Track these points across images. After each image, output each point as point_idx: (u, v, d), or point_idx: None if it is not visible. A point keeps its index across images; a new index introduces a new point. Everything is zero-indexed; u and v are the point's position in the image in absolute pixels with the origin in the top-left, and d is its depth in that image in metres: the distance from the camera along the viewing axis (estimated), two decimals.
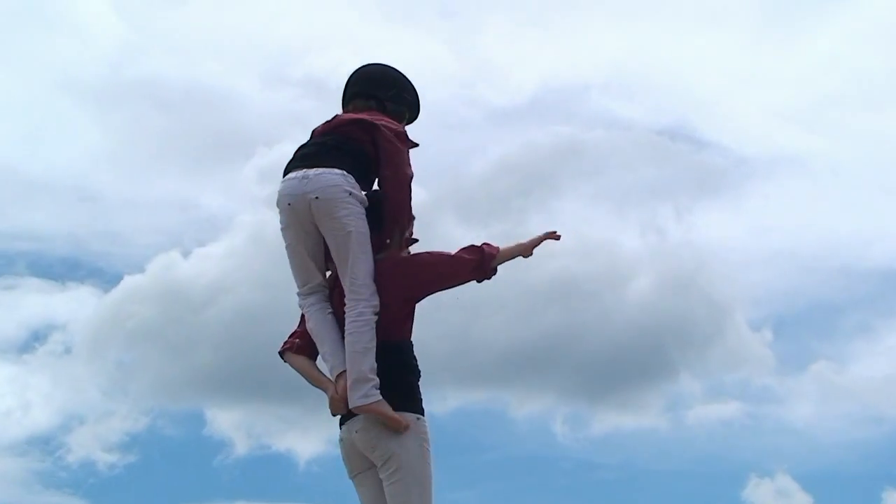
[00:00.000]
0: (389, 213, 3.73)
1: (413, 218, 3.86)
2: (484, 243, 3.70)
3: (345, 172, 3.64)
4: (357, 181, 3.69)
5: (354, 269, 3.59)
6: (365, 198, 3.70)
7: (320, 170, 3.64)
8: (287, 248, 3.77)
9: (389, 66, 4.05)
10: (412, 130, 4.02)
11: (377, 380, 3.51)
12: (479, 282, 3.72)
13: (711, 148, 21.76)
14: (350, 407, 3.52)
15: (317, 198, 3.59)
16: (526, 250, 3.78)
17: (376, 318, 3.57)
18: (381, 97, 3.96)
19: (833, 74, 22.33)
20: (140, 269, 18.32)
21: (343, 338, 3.61)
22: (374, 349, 3.54)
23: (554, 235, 3.82)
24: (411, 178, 3.78)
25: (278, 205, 3.73)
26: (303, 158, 3.74)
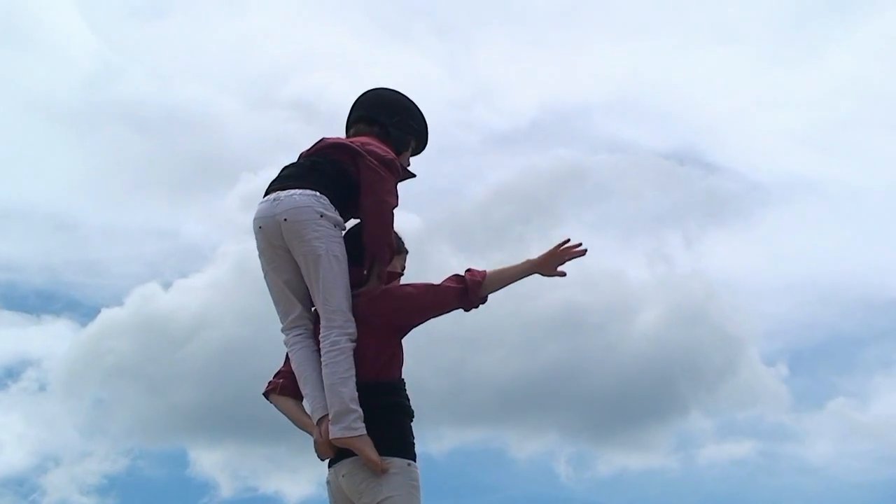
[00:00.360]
0: (368, 244, 3.59)
1: (401, 252, 3.72)
2: (468, 270, 3.56)
3: (317, 193, 3.53)
4: (337, 205, 3.58)
5: (326, 294, 3.47)
6: (341, 220, 3.58)
7: (292, 191, 3.55)
8: (264, 276, 3.66)
9: (399, 92, 3.96)
10: (417, 162, 3.92)
11: (360, 411, 3.39)
12: (466, 310, 3.58)
13: (722, 172, 21.17)
14: (331, 438, 3.40)
15: (286, 219, 3.49)
16: (540, 267, 3.60)
17: (353, 345, 3.44)
18: (385, 123, 3.85)
19: (850, 94, 21.63)
20: (118, 301, 17.63)
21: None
22: (353, 377, 3.41)
23: (574, 250, 3.63)
24: (393, 208, 3.62)
25: (254, 230, 3.64)
26: (279, 180, 3.66)
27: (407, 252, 3.78)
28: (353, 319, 3.46)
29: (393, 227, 3.62)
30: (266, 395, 3.70)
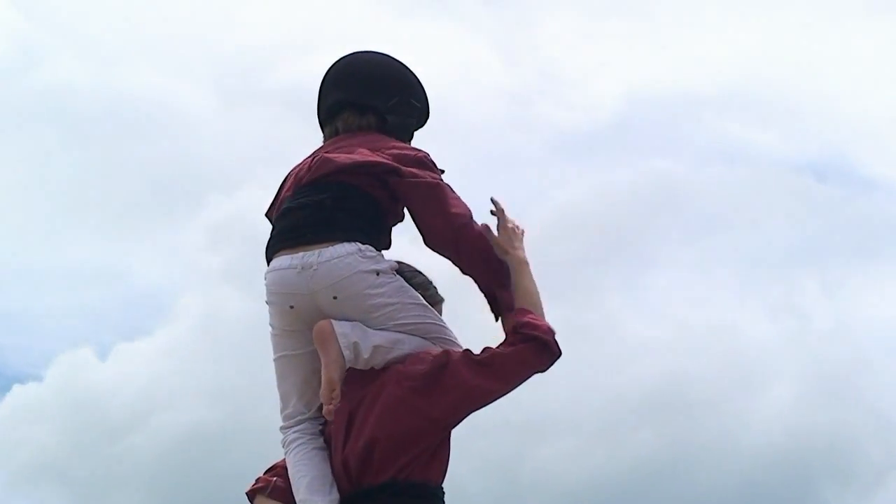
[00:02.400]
0: (478, 279, 3.22)
1: (435, 301, 3.31)
2: (519, 313, 3.11)
3: (359, 245, 3.10)
4: (380, 244, 3.18)
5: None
6: (395, 263, 3.18)
7: (325, 249, 3.07)
8: (278, 360, 3.24)
9: (386, 57, 3.37)
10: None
11: None
12: (544, 371, 3.11)
13: (876, 191, 16.54)
14: None
15: (335, 297, 3.06)
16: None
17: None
18: (381, 108, 3.31)
19: None
20: (37, 373, 14.86)
21: (327, 473, 3.08)
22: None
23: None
24: (470, 216, 3.19)
25: (270, 304, 3.18)
26: (295, 231, 3.15)
27: (443, 300, 3.36)
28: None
29: (486, 238, 3.19)
30: (251, 495, 3.24)
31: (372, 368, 3.09)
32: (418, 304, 3.15)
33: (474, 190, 3.20)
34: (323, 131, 3.38)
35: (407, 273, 3.23)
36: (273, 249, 3.17)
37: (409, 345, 3.12)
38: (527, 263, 3.21)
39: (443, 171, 3.28)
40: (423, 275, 3.33)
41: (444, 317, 3.31)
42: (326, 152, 3.22)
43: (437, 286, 3.38)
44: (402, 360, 3.10)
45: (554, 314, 3.02)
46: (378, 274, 3.10)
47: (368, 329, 3.09)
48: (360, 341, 3.03)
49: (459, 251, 3.21)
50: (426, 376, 3.06)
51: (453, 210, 3.16)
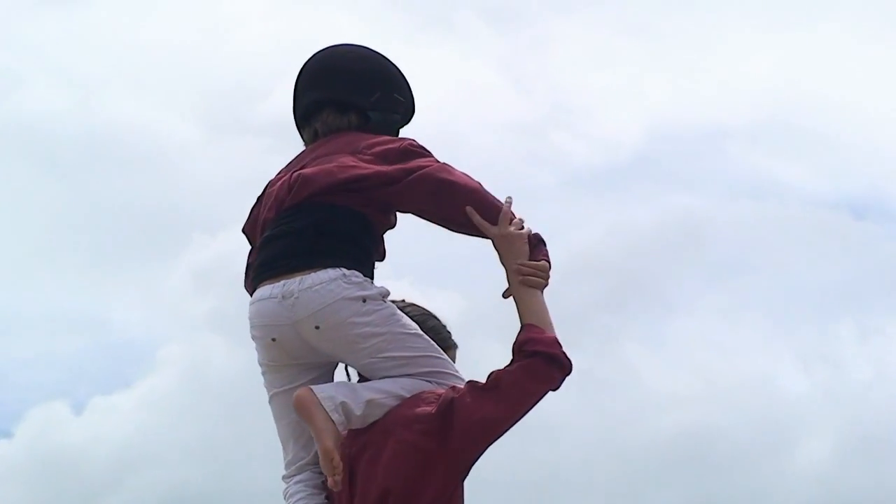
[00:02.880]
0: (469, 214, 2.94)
1: (448, 346, 3.14)
2: (524, 340, 2.88)
3: (344, 271, 2.90)
4: (367, 268, 2.97)
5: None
6: (385, 289, 2.97)
7: (306, 276, 2.89)
8: (271, 401, 3.07)
9: (365, 49, 3.19)
10: None
11: None
12: (556, 389, 2.94)
13: None
14: None
15: (317, 327, 2.88)
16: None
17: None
18: (363, 105, 3.12)
19: None
20: (6, 430, 12.98)
21: None
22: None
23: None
24: (477, 186, 3.00)
25: (254, 339, 3.02)
26: (276, 262, 2.96)
27: (456, 347, 3.23)
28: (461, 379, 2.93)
29: (491, 197, 2.97)
30: None
31: None
32: (411, 333, 2.94)
33: None
34: (301, 135, 3.19)
35: (418, 317, 3.06)
36: (255, 281, 2.99)
37: (406, 388, 2.90)
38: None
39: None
40: (436, 317, 3.18)
41: (457, 364, 3.10)
42: (304, 167, 3.03)
43: (450, 330, 3.22)
44: (402, 404, 2.89)
45: (573, 358, 2.78)
46: (365, 301, 2.89)
47: (357, 385, 2.92)
48: (348, 400, 2.83)
49: (452, 201, 2.94)
50: (435, 417, 2.87)
51: (456, 188, 2.93)
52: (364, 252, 2.99)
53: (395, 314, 2.94)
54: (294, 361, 2.99)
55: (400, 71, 3.20)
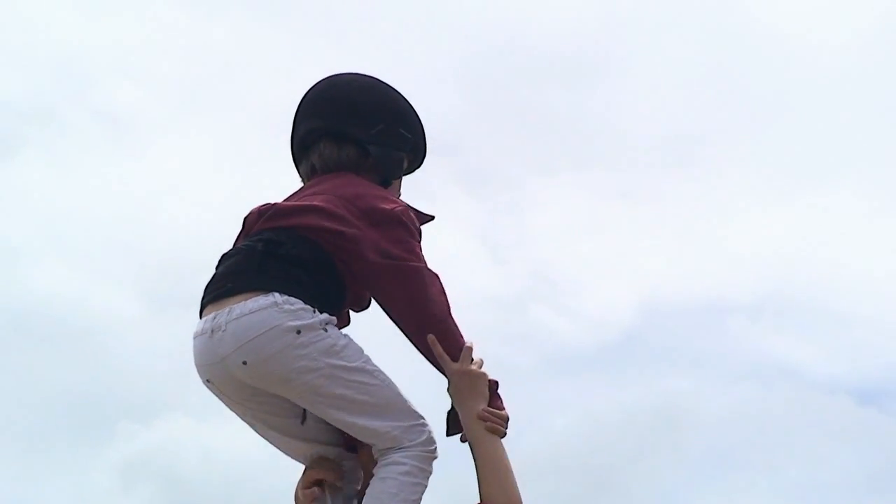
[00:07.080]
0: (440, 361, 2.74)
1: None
2: None
3: (276, 297, 2.60)
4: (316, 299, 2.64)
5: (367, 425, 2.63)
6: (328, 316, 2.65)
7: (236, 305, 2.61)
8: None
9: (372, 80, 2.95)
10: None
11: None
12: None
13: None
14: None
15: (245, 363, 2.59)
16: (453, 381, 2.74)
17: (429, 470, 2.64)
18: (362, 137, 2.87)
19: None
20: None
21: None
22: None
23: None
24: (441, 290, 2.74)
25: (199, 378, 2.76)
26: (216, 283, 2.72)
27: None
28: (424, 425, 2.68)
29: (449, 314, 2.75)
30: None
31: None
32: (355, 367, 2.62)
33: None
34: (298, 170, 2.98)
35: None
36: (200, 310, 2.72)
37: None
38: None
39: (432, 218, 2.89)
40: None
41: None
42: (283, 202, 2.83)
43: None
44: None
45: None
46: (299, 332, 2.56)
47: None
48: None
49: (418, 332, 2.73)
50: None
51: (419, 288, 2.69)
52: (318, 285, 2.67)
53: (335, 346, 2.62)
54: (238, 399, 2.70)
55: (411, 106, 2.96)
